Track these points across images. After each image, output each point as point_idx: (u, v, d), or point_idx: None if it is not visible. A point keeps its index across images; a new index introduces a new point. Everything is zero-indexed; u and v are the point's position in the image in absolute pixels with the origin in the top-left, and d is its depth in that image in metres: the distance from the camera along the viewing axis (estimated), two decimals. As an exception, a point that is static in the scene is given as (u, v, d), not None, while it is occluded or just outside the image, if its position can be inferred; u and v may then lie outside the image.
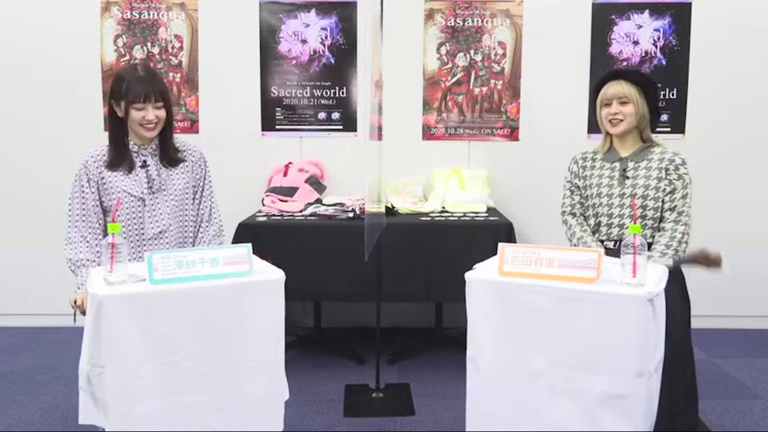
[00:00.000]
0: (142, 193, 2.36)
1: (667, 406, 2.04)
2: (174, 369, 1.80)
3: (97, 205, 2.34)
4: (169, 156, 2.42)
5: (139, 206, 2.36)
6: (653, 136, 2.63)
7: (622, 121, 2.54)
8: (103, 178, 2.33)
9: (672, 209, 2.52)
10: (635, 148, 2.59)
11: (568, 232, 2.67)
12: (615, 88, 2.55)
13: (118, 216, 2.30)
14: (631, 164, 2.56)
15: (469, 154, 4.31)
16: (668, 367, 1.93)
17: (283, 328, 1.96)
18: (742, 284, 4.17)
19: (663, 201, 2.53)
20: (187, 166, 2.46)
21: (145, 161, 2.38)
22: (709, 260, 2.43)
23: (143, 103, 2.30)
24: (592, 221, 2.62)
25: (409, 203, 4.02)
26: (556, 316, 1.84)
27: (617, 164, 2.58)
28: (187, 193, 2.45)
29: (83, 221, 2.32)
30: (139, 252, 2.35)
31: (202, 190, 2.51)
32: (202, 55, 4.27)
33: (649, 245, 2.49)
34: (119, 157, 2.35)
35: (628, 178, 2.54)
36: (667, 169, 2.53)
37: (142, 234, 2.37)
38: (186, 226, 2.47)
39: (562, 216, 2.71)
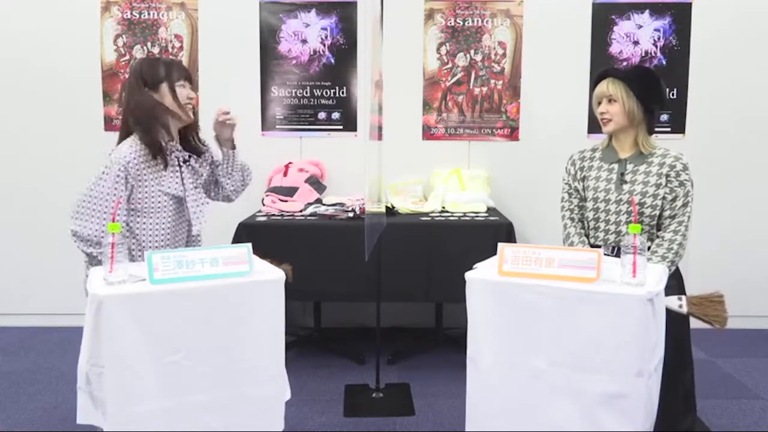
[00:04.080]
0: (182, 191, 2.36)
1: (666, 406, 2.04)
2: (174, 369, 1.80)
3: (122, 209, 2.29)
4: (193, 147, 2.43)
5: (174, 206, 2.35)
6: (652, 139, 2.56)
7: (610, 120, 2.50)
8: (141, 178, 2.27)
9: (672, 217, 2.45)
10: (635, 150, 2.54)
11: (567, 240, 2.63)
12: (602, 86, 2.53)
13: (153, 221, 2.31)
14: (630, 167, 2.50)
15: (469, 154, 4.31)
16: (667, 367, 1.93)
17: (283, 328, 1.95)
18: (742, 284, 4.16)
19: (662, 208, 2.47)
20: (206, 159, 2.51)
21: (185, 157, 2.38)
22: (716, 314, 2.16)
23: (185, 80, 2.34)
24: (590, 224, 2.59)
25: (409, 203, 4.02)
26: (556, 316, 1.83)
27: (615, 166, 2.52)
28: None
29: (105, 219, 2.23)
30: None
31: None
32: (202, 55, 4.28)
33: None
34: (162, 149, 2.29)
35: (626, 182, 2.49)
36: (668, 176, 2.45)
37: (190, 232, 2.40)
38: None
39: (561, 220, 2.68)
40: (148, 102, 2.30)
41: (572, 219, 2.62)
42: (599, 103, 2.55)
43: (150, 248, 2.31)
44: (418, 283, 3.57)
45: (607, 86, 2.50)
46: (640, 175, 2.48)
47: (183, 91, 2.33)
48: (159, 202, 2.32)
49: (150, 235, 2.33)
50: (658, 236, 2.47)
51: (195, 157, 2.43)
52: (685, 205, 2.46)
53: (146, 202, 2.30)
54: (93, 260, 2.26)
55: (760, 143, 4.28)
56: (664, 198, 2.46)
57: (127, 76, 4.22)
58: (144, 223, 2.31)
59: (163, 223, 2.35)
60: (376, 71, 3.06)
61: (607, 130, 2.54)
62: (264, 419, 1.94)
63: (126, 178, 2.25)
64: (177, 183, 2.35)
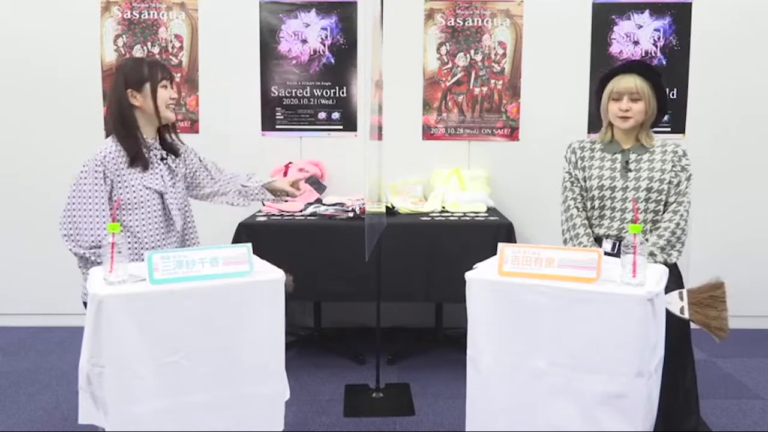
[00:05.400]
0: (164, 186, 2.38)
1: (667, 406, 2.04)
2: (174, 369, 1.80)
3: (107, 203, 2.31)
4: (170, 145, 2.46)
5: (158, 200, 2.37)
6: (648, 138, 2.57)
7: (631, 118, 2.48)
8: (121, 174, 2.30)
9: (671, 203, 2.49)
10: (637, 142, 2.56)
11: (572, 231, 2.57)
12: (628, 82, 2.46)
13: (143, 214, 2.32)
14: (633, 156, 2.53)
15: (469, 154, 4.31)
16: (668, 367, 1.93)
17: (283, 328, 1.95)
18: (741, 284, 4.15)
19: (668, 193, 2.49)
20: (182, 160, 2.53)
21: (163, 155, 2.41)
22: (718, 325, 2.12)
23: (168, 81, 2.37)
24: (594, 213, 2.59)
25: (409, 203, 4.02)
26: (556, 316, 1.84)
27: (618, 156, 2.54)
28: (184, 186, 2.55)
29: (103, 211, 2.26)
30: (164, 245, 2.38)
31: (200, 158, 2.60)
32: (202, 55, 4.28)
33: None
34: (140, 153, 2.32)
35: (630, 170, 2.51)
36: (672, 161, 2.50)
37: (172, 226, 2.40)
38: (187, 216, 2.52)
39: (566, 210, 2.61)
40: (126, 110, 2.33)
41: (578, 208, 2.58)
42: (616, 98, 2.49)
43: (146, 242, 2.34)
44: (418, 283, 3.57)
45: (635, 83, 2.46)
46: (644, 163, 2.51)
47: (165, 92, 2.36)
48: (143, 195, 2.33)
49: (143, 229, 2.34)
50: (656, 220, 2.50)
51: (172, 156, 2.46)
52: (686, 187, 2.49)
53: (131, 197, 2.31)
54: (85, 262, 2.26)
55: (760, 143, 4.27)
56: (670, 182, 2.48)
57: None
58: (134, 217, 2.32)
59: (153, 217, 2.36)
60: (376, 71, 3.06)
61: (626, 127, 2.50)
62: (264, 419, 1.94)
63: (104, 173, 2.27)
64: (158, 178, 2.37)
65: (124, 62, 2.43)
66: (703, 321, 2.07)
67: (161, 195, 2.38)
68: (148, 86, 2.33)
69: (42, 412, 3.15)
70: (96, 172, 2.26)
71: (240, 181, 2.64)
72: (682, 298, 2.09)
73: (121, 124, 2.34)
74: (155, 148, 2.40)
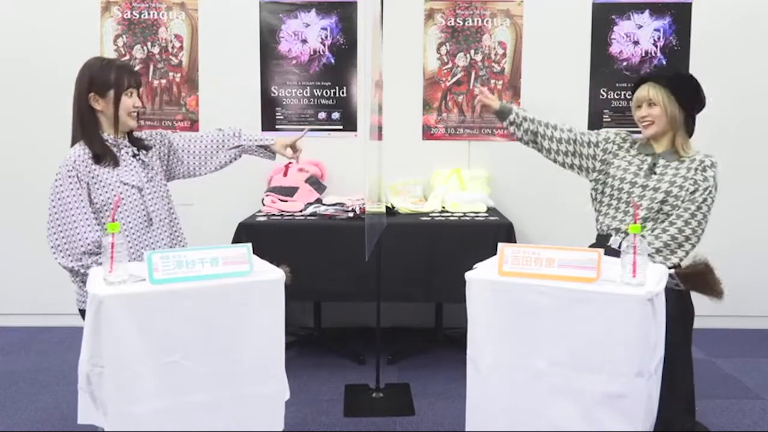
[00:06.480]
0: (140, 181, 2.35)
1: (666, 406, 2.04)
2: (174, 369, 1.80)
3: (89, 206, 2.28)
4: (139, 141, 2.43)
5: (138, 196, 2.34)
6: (690, 142, 2.59)
7: (652, 123, 2.54)
8: (95, 176, 2.27)
9: (687, 209, 2.48)
10: (672, 149, 2.58)
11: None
12: (643, 90, 2.57)
13: (124, 211, 2.29)
14: (662, 161, 2.55)
15: (469, 154, 4.31)
16: (667, 367, 1.92)
17: (283, 328, 1.95)
18: (741, 284, 4.15)
19: (682, 200, 2.49)
20: (154, 152, 2.49)
21: (134, 151, 2.38)
22: (707, 284, 2.27)
23: (134, 88, 2.33)
24: (608, 202, 2.60)
25: (409, 203, 4.02)
26: (556, 316, 1.84)
27: (649, 158, 2.57)
28: (164, 177, 2.52)
29: (86, 215, 2.24)
30: (149, 241, 2.35)
31: (175, 146, 2.56)
32: (202, 55, 4.28)
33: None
34: (107, 150, 2.30)
35: (655, 173, 2.53)
36: (695, 170, 2.50)
37: (151, 222, 2.36)
38: (171, 208, 2.49)
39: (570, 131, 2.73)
40: (86, 113, 2.31)
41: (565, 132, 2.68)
42: (639, 107, 2.58)
43: (129, 239, 2.29)
44: (418, 283, 3.57)
45: (647, 91, 2.55)
46: (671, 170, 2.52)
47: (128, 100, 2.31)
48: (122, 192, 2.29)
49: (126, 226, 2.29)
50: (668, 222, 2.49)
51: (143, 151, 2.43)
52: (701, 198, 2.47)
53: (110, 195, 2.27)
54: (75, 274, 2.25)
55: (760, 143, 4.27)
56: (687, 190, 2.48)
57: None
58: (116, 215, 2.25)
59: (134, 213, 2.32)
60: (376, 71, 3.06)
61: (649, 133, 2.57)
62: (264, 419, 1.94)
63: (77, 176, 2.24)
64: (134, 174, 2.34)
65: (92, 62, 2.36)
66: (694, 287, 2.15)
67: (140, 190, 2.35)
68: (112, 93, 2.29)
69: (42, 412, 3.15)
70: (69, 177, 2.24)
71: (228, 144, 2.63)
72: (674, 279, 2.12)
73: (82, 126, 2.31)
74: (125, 146, 2.37)
